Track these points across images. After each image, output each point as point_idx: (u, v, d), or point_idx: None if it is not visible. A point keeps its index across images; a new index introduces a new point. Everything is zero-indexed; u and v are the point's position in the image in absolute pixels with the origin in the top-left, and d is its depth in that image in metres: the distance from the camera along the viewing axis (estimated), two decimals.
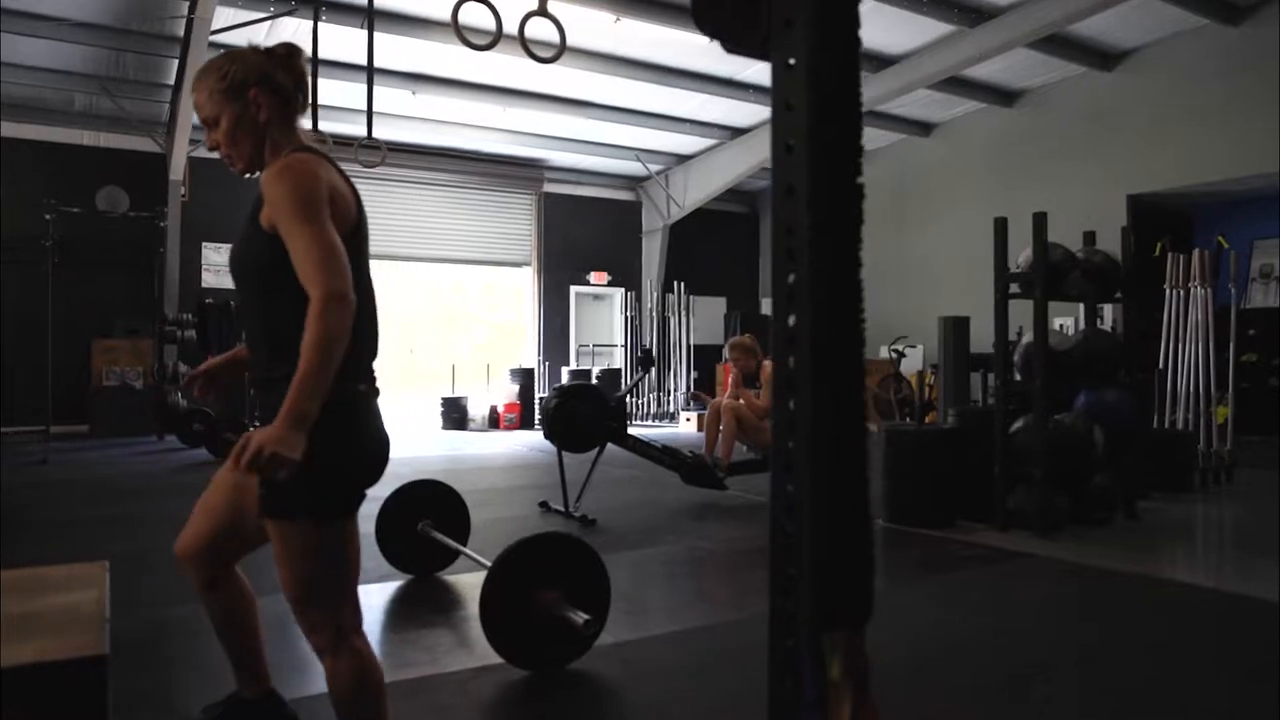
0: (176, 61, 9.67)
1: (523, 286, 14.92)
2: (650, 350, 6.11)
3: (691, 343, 14.59)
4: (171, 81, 10.40)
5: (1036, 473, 4.89)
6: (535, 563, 2.87)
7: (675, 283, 14.70)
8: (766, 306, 17.77)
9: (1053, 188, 11.14)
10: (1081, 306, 6.29)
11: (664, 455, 5.94)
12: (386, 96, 11.25)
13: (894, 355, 12.24)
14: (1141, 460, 5.65)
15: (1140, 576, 3.99)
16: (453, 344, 14.11)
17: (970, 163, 12.64)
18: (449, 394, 12.52)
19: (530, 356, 14.57)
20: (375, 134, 12.67)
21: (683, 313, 14.45)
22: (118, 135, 11.60)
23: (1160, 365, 6.96)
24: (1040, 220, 4.92)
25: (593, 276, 15.23)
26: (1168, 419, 6.94)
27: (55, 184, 11.05)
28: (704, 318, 15.77)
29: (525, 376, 12.76)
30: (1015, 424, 5.10)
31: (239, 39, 9.18)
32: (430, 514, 4.16)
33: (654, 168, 14.78)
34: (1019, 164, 11.95)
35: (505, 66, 10.55)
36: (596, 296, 15.34)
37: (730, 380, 6.65)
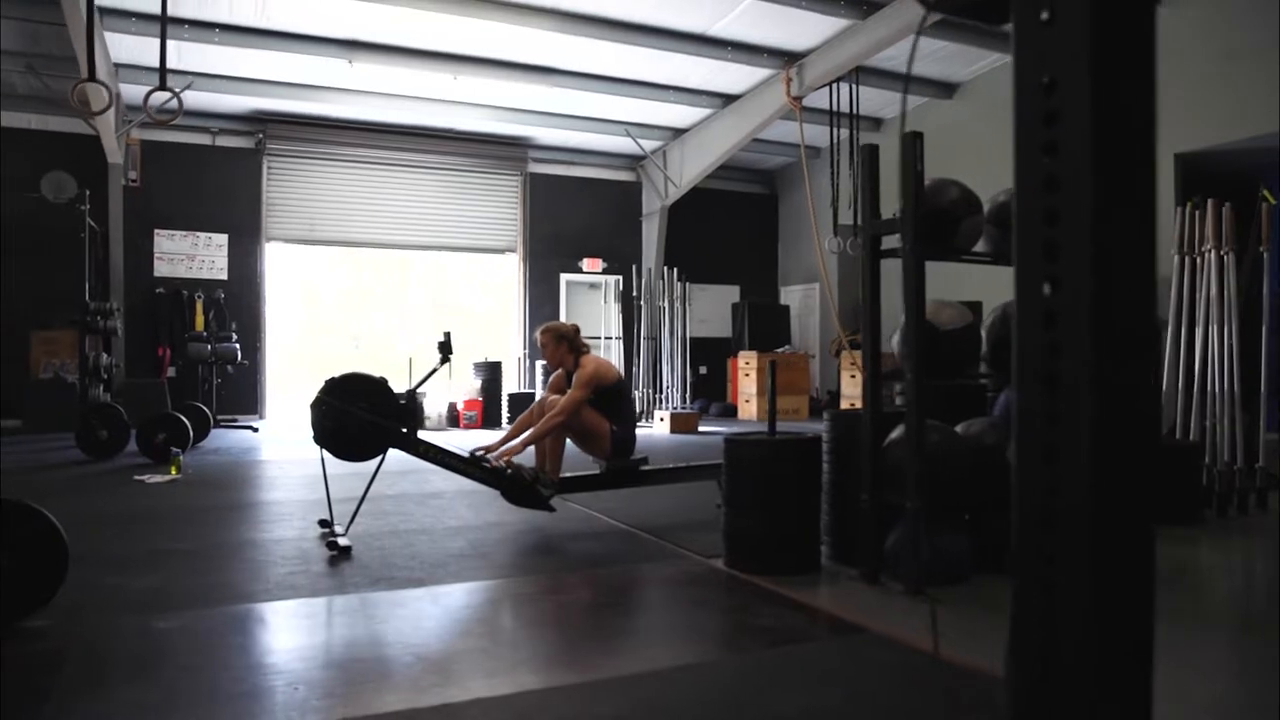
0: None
1: (507, 274, 13.83)
2: (449, 336, 4.79)
3: (689, 335, 13.21)
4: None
5: (909, 503, 3.45)
6: None
7: (667, 270, 13.36)
8: (786, 295, 16.01)
9: None
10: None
11: (471, 467, 4.68)
12: (325, 68, 10.32)
13: None
14: None
15: None
16: (424, 336, 13.11)
17: (998, 124, 10.86)
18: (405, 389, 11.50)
19: (515, 349, 13.49)
20: (328, 112, 11.83)
21: (677, 302, 13.08)
22: (63, 118, 11.00)
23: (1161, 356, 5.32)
24: (910, 142, 3.46)
25: (585, 263, 14.04)
26: (1177, 427, 5.30)
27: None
28: (710, 308, 14.41)
29: (489, 371, 11.68)
30: (892, 434, 3.66)
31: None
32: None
33: (652, 144, 13.49)
34: None
35: (450, 30, 9.48)
36: (591, 285, 14.13)
37: (551, 379, 5.26)
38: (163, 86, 6.59)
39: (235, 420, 11.10)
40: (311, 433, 4.53)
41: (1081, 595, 0.83)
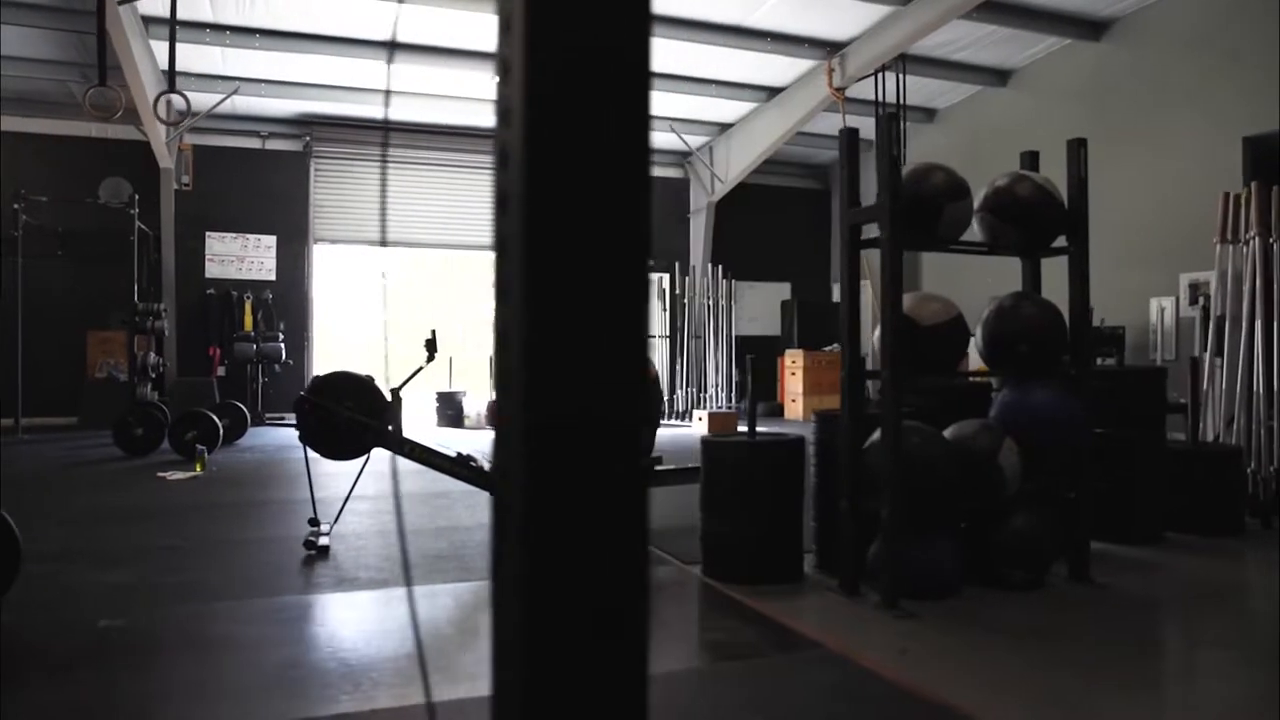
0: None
1: None
2: (435, 335, 4.69)
3: (736, 333, 13.01)
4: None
5: (884, 509, 3.22)
6: None
7: (713, 267, 13.15)
8: (839, 292, 15.90)
9: (1161, 135, 8.97)
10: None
11: (458, 466, 4.59)
12: (366, 70, 10.42)
13: None
14: (1092, 492, 3.81)
15: None
16: (468, 336, 13.17)
17: (1056, 113, 10.32)
18: (445, 389, 11.57)
19: None
20: (373, 115, 11.98)
21: (723, 299, 12.88)
22: (120, 126, 11.35)
23: (1197, 352, 4.93)
24: (887, 125, 3.23)
25: None
26: (1211, 429, 4.90)
27: (56, 177, 10.95)
28: (760, 306, 14.15)
29: None
30: (873, 436, 3.43)
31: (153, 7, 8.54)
32: None
33: (697, 140, 13.28)
34: (1114, 109, 9.62)
35: (485, 28, 9.46)
36: None
37: None
38: (172, 90, 6.69)
39: (282, 418, 11.30)
40: (297, 432, 4.51)
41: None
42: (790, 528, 3.64)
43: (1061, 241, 3.69)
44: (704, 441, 3.80)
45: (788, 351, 12.84)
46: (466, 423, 11.23)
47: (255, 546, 4.35)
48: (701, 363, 13.12)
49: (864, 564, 3.43)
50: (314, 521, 4.63)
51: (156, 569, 3.84)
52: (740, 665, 2.65)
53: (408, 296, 13.41)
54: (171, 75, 6.93)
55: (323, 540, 4.21)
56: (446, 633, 3.02)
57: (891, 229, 3.19)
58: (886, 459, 3.19)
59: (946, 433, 3.52)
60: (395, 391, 4.59)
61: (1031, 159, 3.85)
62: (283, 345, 11.16)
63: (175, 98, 6.94)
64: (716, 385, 12.99)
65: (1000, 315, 3.58)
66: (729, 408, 11.75)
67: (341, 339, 12.83)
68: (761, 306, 14.29)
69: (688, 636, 2.96)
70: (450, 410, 11.28)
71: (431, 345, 4.69)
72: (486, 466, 4.67)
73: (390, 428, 4.48)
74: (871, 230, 3.38)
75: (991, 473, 3.40)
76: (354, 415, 4.38)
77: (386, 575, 3.71)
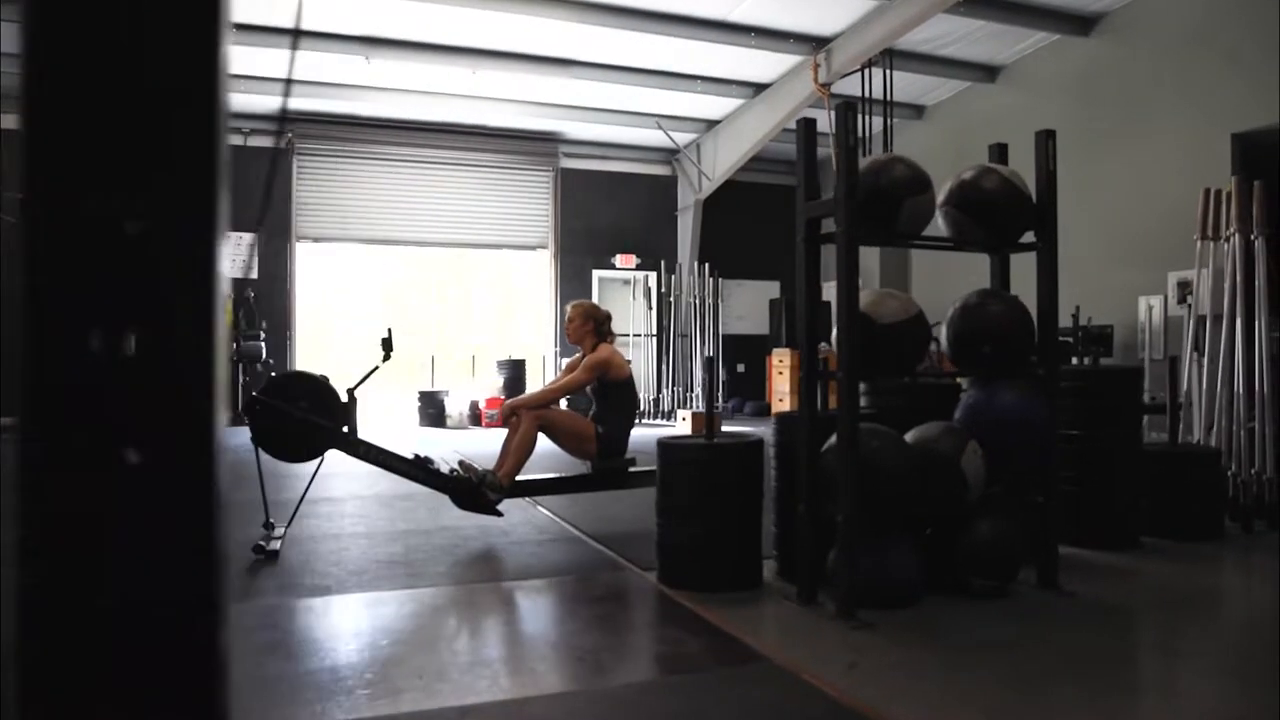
0: None
1: (538, 271, 13.64)
2: (391, 333, 4.57)
3: (723, 332, 12.91)
4: None
5: (840, 515, 3.10)
6: None
7: (699, 265, 13.03)
8: (828, 291, 15.76)
9: (1150, 131, 8.84)
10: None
11: (416, 469, 4.47)
12: (345, 65, 10.29)
13: None
14: (1060, 496, 3.69)
15: None
16: (452, 334, 13.02)
17: (1048, 109, 10.17)
18: (427, 388, 11.43)
19: (545, 345, 13.31)
20: (354, 110, 11.87)
21: (710, 297, 12.76)
22: None
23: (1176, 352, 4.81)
24: (844, 114, 3.10)
25: (619, 259, 13.76)
26: (1196, 430, 4.78)
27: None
28: (748, 304, 14.03)
29: (514, 368, 11.52)
30: (832, 438, 3.30)
31: None
32: None
33: (685, 137, 13.14)
34: (1103, 105, 9.49)
35: (465, 23, 9.34)
36: (624, 281, 13.86)
37: (567, 364, 5.19)
38: None
39: None
40: (250, 433, 4.39)
41: None
42: (748, 533, 3.52)
43: (1030, 237, 3.57)
44: (660, 443, 3.68)
45: (775, 350, 12.70)
46: (449, 422, 11.10)
47: None
48: (688, 362, 13.01)
49: (823, 571, 3.31)
50: (268, 525, 4.51)
51: None
52: (677, 680, 2.53)
53: (395, 294, 13.27)
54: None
55: (273, 545, 4.08)
56: (377, 642, 2.89)
57: (847, 223, 3.07)
58: (842, 462, 3.07)
59: (909, 435, 3.40)
60: (350, 391, 4.47)
61: (1000, 152, 3.73)
62: (263, 344, 11.03)
63: None
64: (703, 384, 12.86)
65: (965, 313, 3.45)
66: (714, 407, 11.61)
67: (331, 339, 12.69)
68: (749, 305, 14.18)
69: (632, 649, 2.84)
70: (432, 410, 11.15)
71: (387, 345, 4.57)
72: (444, 469, 4.57)
73: (345, 428, 4.36)
74: (833, 224, 3.26)
75: (954, 476, 3.28)
76: (307, 416, 4.25)
77: (330, 582, 3.59)
